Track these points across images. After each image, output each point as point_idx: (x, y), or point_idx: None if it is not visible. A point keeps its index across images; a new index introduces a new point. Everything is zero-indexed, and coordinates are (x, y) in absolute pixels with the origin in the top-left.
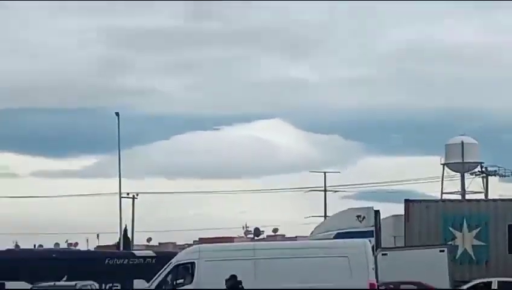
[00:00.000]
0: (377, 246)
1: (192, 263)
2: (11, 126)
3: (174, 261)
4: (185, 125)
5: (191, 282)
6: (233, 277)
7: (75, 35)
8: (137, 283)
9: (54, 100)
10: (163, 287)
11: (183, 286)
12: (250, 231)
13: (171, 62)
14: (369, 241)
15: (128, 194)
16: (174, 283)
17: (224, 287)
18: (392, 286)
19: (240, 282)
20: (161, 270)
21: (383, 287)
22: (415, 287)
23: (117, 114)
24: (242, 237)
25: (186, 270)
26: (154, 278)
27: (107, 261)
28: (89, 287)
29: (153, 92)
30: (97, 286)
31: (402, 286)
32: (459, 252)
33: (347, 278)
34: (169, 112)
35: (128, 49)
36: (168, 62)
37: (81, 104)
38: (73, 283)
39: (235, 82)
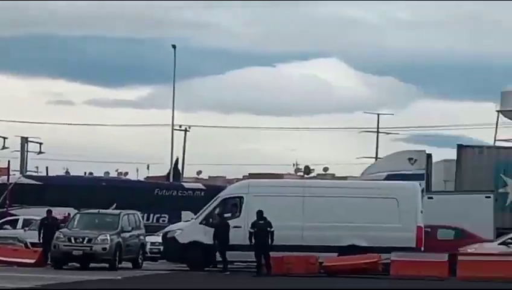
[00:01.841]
0: (427, 190)
1: (241, 198)
2: (69, 53)
3: (222, 194)
4: (242, 61)
5: (238, 216)
6: (259, 212)
7: None
8: (185, 215)
9: (110, 30)
10: (210, 220)
11: (231, 219)
12: (301, 168)
13: None
14: (420, 184)
15: (180, 126)
16: (222, 216)
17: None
18: (428, 230)
19: (264, 218)
20: (208, 203)
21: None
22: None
23: (174, 46)
24: (292, 174)
25: (234, 204)
26: (201, 211)
27: (156, 191)
28: (132, 216)
29: (211, 26)
30: (140, 215)
31: (440, 231)
32: (510, 199)
33: (395, 220)
34: (226, 46)
35: None
36: None
37: (138, 34)
38: (117, 211)
39: (293, 19)
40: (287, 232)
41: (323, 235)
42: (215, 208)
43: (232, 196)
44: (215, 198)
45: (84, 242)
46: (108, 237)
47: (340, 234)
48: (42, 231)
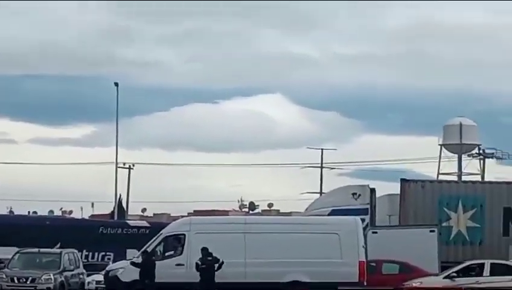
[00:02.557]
0: (371, 224)
1: (183, 235)
2: (11, 92)
3: (164, 232)
4: (185, 98)
5: (181, 254)
6: (204, 249)
7: (76, 3)
8: (130, 252)
9: (54, 68)
10: (153, 258)
11: (173, 257)
12: (245, 205)
13: (171, 33)
14: (363, 219)
15: (124, 164)
16: (164, 254)
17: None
18: (373, 264)
19: (210, 254)
20: (150, 241)
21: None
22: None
23: (116, 84)
24: (237, 210)
25: (177, 241)
26: (143, 249)
27: (100, 230)
28: (72, 255)
29: (153, 63)
30: (78, 254)
31: (384, 265)
32: (453, 233)
33: (337, 255)
34: (169, 83)
35: (129, 19)
36: (168, 33)
37: (80, 72)
38: (58, 250)
39: (235, 55)
40: (229, 269)
41: (265, 271)
42: (157, 245)
43: (174, 233)
44: (157, 236)
45: (28, 282)
46: (52, 277)
47: (282, 270)
48: None
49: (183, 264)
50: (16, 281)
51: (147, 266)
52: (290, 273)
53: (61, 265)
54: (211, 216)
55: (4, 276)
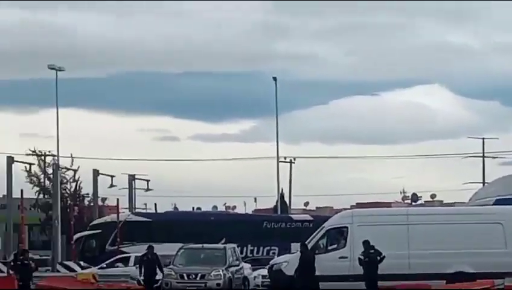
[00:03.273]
0: None
1: (345, 228)
2: (172, 90)
3: (326, 225)
4: (344, 91)
5: (344, 246)
6: (366, 242)
7: (230, 2)
8: (294, 246)
9: (213, 65)
10: (316, 251)
11: (336, 250)
12: (408, 196)
13: (329, 27)
14: None
15: (285, 158)
16: (327, 247)
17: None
18: None
19: (373, 247)
20: (313, 234)
21: None
22: None
23: (275, 79)
24: (400, 202)
25: (339, 234)
26: (302, 243)
27: (264, 224)
28: (233, 250)
29: (311, 57)
30: (238, 249)
31: None
32: None
33: (501, 245)
34: (327, 77)
35: (286, 13)
36: (326, 27)
37: (239, 68)
38: (221, 245)
39: (394, 47)
40: (393, 261)
41: (429, 262)
42: (320, 238)
43: (336, 226)
44: (319, 229)
45: (198, 278)
46: (221, 273)
47: (446, 261)
48: (143, 268)
49: (346, 257)
50: (185, 277)
51: (304, 260)
52: (454, 264)
53: (226, 260)
54: (373, 208)
55: (173, 273)
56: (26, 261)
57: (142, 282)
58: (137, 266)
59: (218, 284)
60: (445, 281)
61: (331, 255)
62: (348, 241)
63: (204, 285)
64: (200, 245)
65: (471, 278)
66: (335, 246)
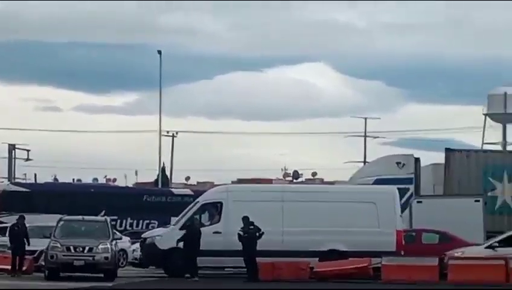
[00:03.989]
0: (416, 194)
1: (220, 203)
2: (55, 60)
3: (201, 200)
4: (229, 66)
5: (218, 221)
6: (246, 217)
7: None
8: (174, 220)
9: (97, 36)
10: (198, 225)
11: (210, 225)
12: (289, 173)
13: (217, 1)
14: (408, 188)
15: (168, 132)
16: (201, 222)
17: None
18: (413, 234)
19: (252, 223)
20: (187, 209)
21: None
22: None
23: (159, 52)
24: (281, 179)
25: (214, 209)
26: (179, 217)
27: (145, 198)
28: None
29: (197, 32)
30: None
31: (424, 234)
32: (499, 203)
33: (374, 224)
34: (213, 52)
35: None
36: (214, 1)
37: (125, 41)
38: (102, 218)
39: (280, 24)
40: (267, 237)
41: (303, 240)
42: (194, 213)
43: (211, 201)
44: (193, 203)
45: (85, 251)
46: (109, 246)
47: (320, 238)
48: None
49: (220, 232)
50: (72, 250)
51: (194, 233)
52: (327, 242)
53: (110, 233)
54: (249, 184)
55: (58, 245)
56: None
57: (11, 252)
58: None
59: (106, 258)
60: (318, 259)
61: (205, 229)
62: (223, 216)
63: (92, 258)
64: (80, 217)
65: (344, 256)
66: (209, 221)
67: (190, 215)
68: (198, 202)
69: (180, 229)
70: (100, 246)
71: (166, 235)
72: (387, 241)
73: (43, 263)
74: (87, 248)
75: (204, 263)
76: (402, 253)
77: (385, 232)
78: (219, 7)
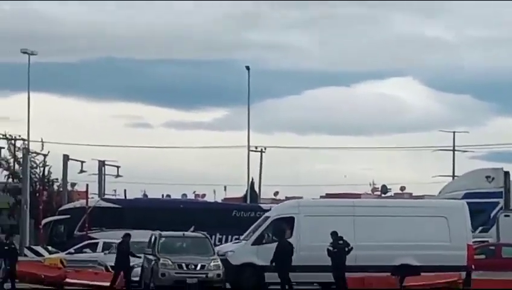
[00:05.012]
0: (506, 208)
1: (292, 218)
2: (144, 77)
3: (272, 215)
4: (317, 81)
5: (290, 237)
6: (334, 233)
7: None
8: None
9: (186, 53)
10: (263, 241)
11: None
12: (378, 188)
13: (304, 17)
14: (497, 202)
15: (256, 147)
16: (273, 237)
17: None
18: (493, 248)
19: (341, 237)
20: (257, 224)
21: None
22: None
23: (247, 68)
24: (369, 193)
25: (286, 224)
26: (249, 232)
27: (234, 213)
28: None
29: (286, 47)
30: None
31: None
32: None
33: (446, 238)
34: (301, 67)
35: (261, 3)
36: (301, 17)
37: (213, 57)
38: (201, 234)
39: (368, 39)
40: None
41: (374, 254)
42: (266, 228)
43: (282, 216)
44: (263, 218)
45: (198, 269)
46: (220, 263)
47: (391, 253)
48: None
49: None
50: (184, 267)
51: (285, 249)
52: (399, 257)
53: (213, 250)
54: (320, 199)
55: (169, 262)
56: (13, 246)
57: (113, 269)
58: (105, 252)
59: (218, 275)
60: (390, 274)
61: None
62: (295, 231)
63: (205, 275)
64: (180, 233)
65: (416, 271)
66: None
67: (262, 230)
68: (269, 217)
69: (253, 244)
70: (212, 263)
71: (239, 251)
72: (459, 256)
73: (135, 279)
74: (199, 265)
75: (276, 278)
76: (473, 267)
77: (456, 246)
78: (307, 23)
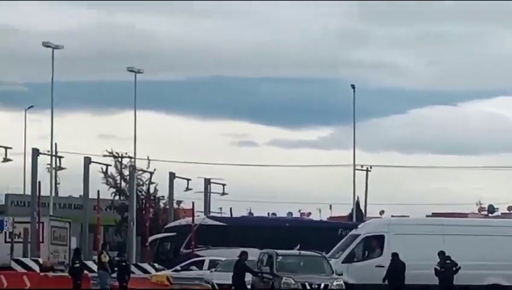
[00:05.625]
0: None
1: (382, 236)
2: (250, 95)
3: (362, 233)
4: (422, 100)
5: (380, 255)
6: (442, 252)
7: (311, 8)
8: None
9: (291, 71)
10: (354, 259)
11: (372, 258)
12: (484, 207)
13: (410, 36)
14: None
15: (362, 166)
16: (364, 255)
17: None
18: None
19: (449, 257)
20: (344, 241)
21: None
22: None
23: (353, 86)
24: (476, 213)
25: (376, 243)
26: (336, 249)
27: (340, 231)
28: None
29: (390, 66)
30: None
31: None
32: None
33: None
34: (406, 85)
35: (365, 21)
36: (407, 36)
37: (318, 75)
38: (318, 253)
39: (473, 57)
40: (426, 271)
41: (464, 274)
42: (356, 246)
43: (373, 234)
44: (352, 236)
45: (321, 288)
46: (342, 282)
47: (481, 273)
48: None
49: (383, 266)
50: (307, 287)
51: (395, 268)
52: (489, 277)
53: (332, 269)
54: (409, 218)
55: (293, 281)
56: (128, 262)
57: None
58: (211, 270)
59: None
60: None
61: (368, 263)
62: (385, 250)
63: None
64: (296, 252)
65: None
66: (371, 254)
67: (352, 248)
68: (359, 235)
69: (343, 262)
70: (335, 283)
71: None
72: None
73: None
74: (323, 285)
75: None
76: None
77: None
78: (414, 40)
